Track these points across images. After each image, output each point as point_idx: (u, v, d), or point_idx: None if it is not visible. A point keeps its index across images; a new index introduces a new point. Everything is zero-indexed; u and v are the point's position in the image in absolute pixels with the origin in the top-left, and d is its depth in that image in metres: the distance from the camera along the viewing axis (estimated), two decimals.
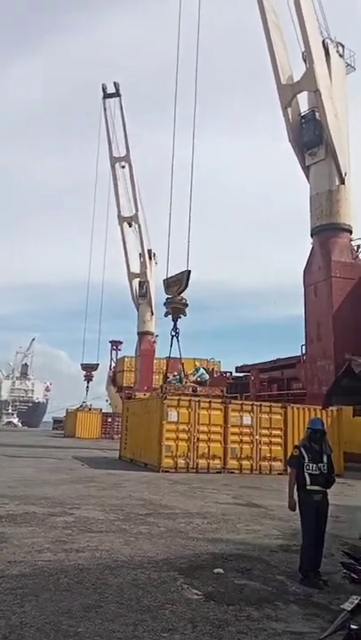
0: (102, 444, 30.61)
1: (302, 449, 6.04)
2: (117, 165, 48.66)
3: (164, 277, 22.45)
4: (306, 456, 5.95)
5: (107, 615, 4.43)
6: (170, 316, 21.28)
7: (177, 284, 21.16)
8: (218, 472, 16.80)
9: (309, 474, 5.87)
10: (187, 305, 21.27)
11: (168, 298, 21.37)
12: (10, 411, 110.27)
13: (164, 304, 21.64)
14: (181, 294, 21.02)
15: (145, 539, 7.26)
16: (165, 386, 19.39)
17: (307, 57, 26.01)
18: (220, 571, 5.87)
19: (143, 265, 48.33)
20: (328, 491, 5.99)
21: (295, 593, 5.35)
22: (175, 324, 21.14)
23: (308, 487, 5.85)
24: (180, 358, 22.36)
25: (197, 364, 33.42)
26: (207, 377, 23.89)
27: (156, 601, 4.84)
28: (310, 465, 5.89)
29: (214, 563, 6.19)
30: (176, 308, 21.11)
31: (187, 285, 20.87)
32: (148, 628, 4.22)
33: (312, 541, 5.81)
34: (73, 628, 4.13)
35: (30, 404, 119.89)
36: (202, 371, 23.84)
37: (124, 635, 4.07)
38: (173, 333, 21.23)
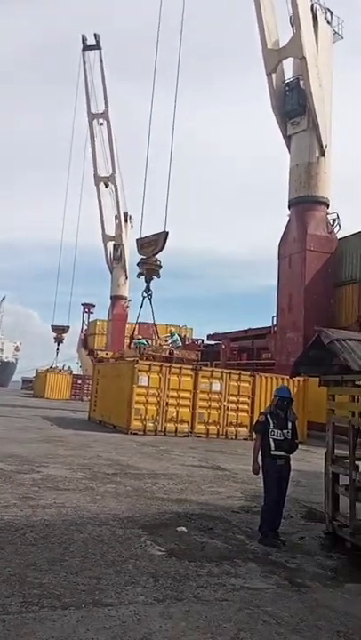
0: (72, 406, 30.71)
1: (268, 415, 6.19)
2: (95, 122, 47.25)
3: (138, 237, 22.24)
4: (271, 422, 6.11)
5: (71, 569, 4.55)
6: (142, 278, 21.17)
7: (152, 244, 20.96)
8: (185, 436, 17.13)
9: (274, 439, 6.04)
10: (161, 267, 21.16)
11: (142, 258, 21.17)
12: None
13: (138, 264, 21.47)
14: (156, 256, 20.87)
15: (111, 497, 7.42)
16: (137, 345, 19.48)
17: (294, 21, 25.40)
18: (183, 529, 6.07)
19: (118, 227, 47.63)
20: (291, 456, 6.19)
21: (254, 551, 5.59)
22: (148, 286, 21.05)
23: (272, 452, 6.03)
24: (154, 321, 22.38)
25: (172, 329, 33.45)
26: (180, 344, 24.05)
27: (119, 556, 4.99)
28: (275, 431, 6.06)
29: (178, 521, 6.39)
30: (150, 270, 20.99)
31: (163, 247, 20.71)
32: (112, 582, 4.36)
33: (273, 503, 6.04)
34: (38, 580, 4.24)
35: None
36: (176, 336, 23.97)
37: (87, 587, 4.20)
38: (146, 295, 21.17)
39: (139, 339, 21.90)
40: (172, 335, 24.10)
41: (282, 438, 6.05)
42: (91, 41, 47.06)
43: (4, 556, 4.72)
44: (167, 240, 20.69)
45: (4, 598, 3.86)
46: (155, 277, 21.15)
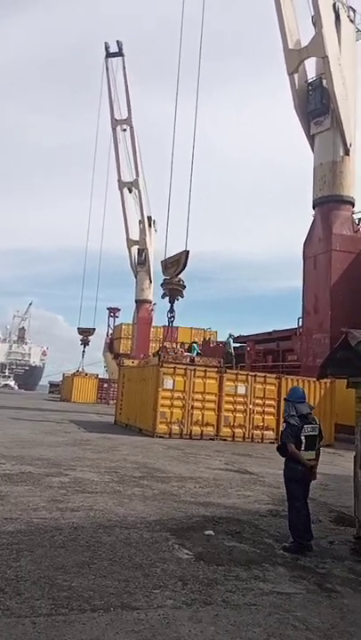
0: (98, 409, 30.96)
1: None
2: (119, 128, 47.66)
3: (164, 255, 21.71)
4: None
5: (100, 571, 4.58)
6: (167, 298, 20.83)
7: (175, 264, 20.55)
8: (211, 439, 17.07)
9: None
10: (184, 287, 20.66)
11: (165, 279, 20.79)
12: (6, 374, 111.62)
13: (161, 285, 21.08)
14: (179, 275, 20.52)
15: (138, 500, 7.43)
16: (162, 354, 19.44)
17: (316, 21, 25.17)
18: (211, 532, 6.04)
19: (142, 232, 47.85)
20: (320, 460, 6.07)
21: (283, 556, 5.52)
22: (172, 307, 20.70)
23: None
24: (176, 338, 22.26)
25: (195, 339, 33.43)
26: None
27: (147, 559, 4.99)
28: None
29: (205, 525, 6.36)
30: (173, 290, 20.49)
31: (185, 266, 20.21)
32: (140, 585, 4.37)
33: None
34: (67, 583, 4.27)
35: (27, 368, 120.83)
36: (195, 347, 24.06)
37: (116, 590, 4.22)
38: (169, 316, 20.85)
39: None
40: (192, 348, 24.25)
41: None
42: (113, 48, 47.62)
43: (34, 558, 4.77)
44: (188, 258, 20.23)
45: (34, 600, 3.91)
46: (179, 298, 20.77)
